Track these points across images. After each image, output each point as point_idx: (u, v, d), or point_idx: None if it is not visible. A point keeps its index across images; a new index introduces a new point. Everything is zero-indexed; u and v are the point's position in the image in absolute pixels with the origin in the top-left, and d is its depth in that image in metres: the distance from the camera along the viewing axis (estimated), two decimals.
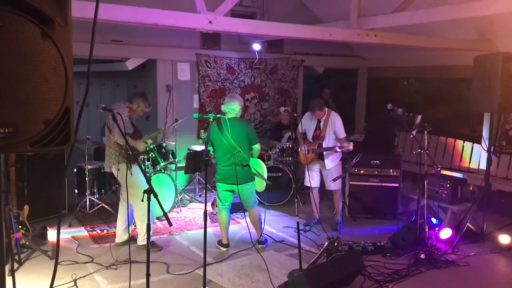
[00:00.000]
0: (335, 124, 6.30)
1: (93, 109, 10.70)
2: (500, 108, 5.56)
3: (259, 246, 5.58)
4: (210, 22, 5.07)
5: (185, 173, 6.38)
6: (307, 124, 6.43)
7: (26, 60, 1.41)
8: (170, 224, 3.28)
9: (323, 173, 6.39)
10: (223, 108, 5.37)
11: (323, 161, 6.33)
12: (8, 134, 1.39)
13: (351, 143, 6.15)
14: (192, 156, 5.19)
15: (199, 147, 7.48)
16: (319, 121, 6.33)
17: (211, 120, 4.51)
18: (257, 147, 5.42)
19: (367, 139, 9.49)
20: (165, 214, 3.20)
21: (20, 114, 1.41)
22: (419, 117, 5.89)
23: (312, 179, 6.32)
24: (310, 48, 9.27)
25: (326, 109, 6.35)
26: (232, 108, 5.30)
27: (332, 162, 6.32)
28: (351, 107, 10.61)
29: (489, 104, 5.61)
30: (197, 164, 5.24)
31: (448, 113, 8.45)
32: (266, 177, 5.54)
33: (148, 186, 3.40)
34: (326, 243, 4.92)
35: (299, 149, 6.54)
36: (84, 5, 4.33)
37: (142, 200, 3.29)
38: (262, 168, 5.54)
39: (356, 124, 10.49)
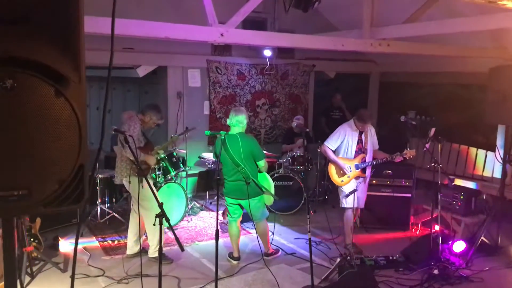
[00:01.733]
0: (374, 135, 6.04)
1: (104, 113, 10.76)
2: None
3: (266, 258, 5.56)
4: (222, 34, 5.03)
5: (196, 192, 6.44)
6: (348, 138, 5.84)
7: (40, 120, 1.38)
8: (182, 249, 3.26)
9: (360, 188, 5.90)
10: (228, 122, 5.24)
11: (365, 175, 5.96)
12: (21, 196, 1.37)
13: (413, 149, 5.94)
14: (204, 176, 5.17)
15: (209, 154, 7.46)
16: (360, 133, 5.89)
17: (223, 137, 4.48)
18: (262, 163, 5.26)
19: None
20: (177, 239, 3.18)
21: (33, 175, 1.39)
22: (433, 130, 5.80)
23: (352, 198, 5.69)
24: (321, 53, 9.17)
25: None
26: (240, 121, 5.17)
27: (369, 174, 6.08)
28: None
29: (504, 117, 5.53)
30: (209, 183, 5.21)
31: (461, 119, 8.33)
32: (273, 192, 5.50)
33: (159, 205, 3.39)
34: (339, 259, 4.89)
35: (329, 169, 5.93)
36: (97, 21, 4.31)
37: (154, 225, 3.27)
38: (269, 183, 5.50)
39: None
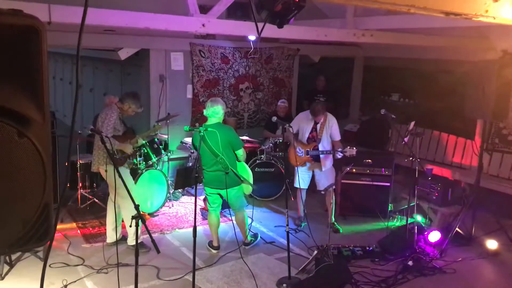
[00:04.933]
0: (332, 127, 6.27)
1: (86, 93, 10.64)
2: (493, 116, 5.55)
3: (245, 247, 5.65)
4: (203, 25, 4.99)
5: (174, 189, 6.51)
6: (303, 125, 6.33)
7: (3, 163, 1.37)
8: (158, 251, 3.28)
9: (317, 175, 6.37)
10: (205, 112, 5.25)
11: (319, 163, 6.31)
12: None
13: (354, 148, 6.08)
14: (182, 173, 5.18)
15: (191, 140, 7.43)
16: (316, 122, 6.26)
17: (202, 133, 4.47)
18: (240, 152, 5.31)
19: (361, 130, 9.47)
20: (153, 241, 3.21)
21: None
22: (412, 123, 5.86)
23: (303, 180, 6.32)
24: None
25: None
26: (216, 112, 5.17)
27: (327, 164, 6.32)
28: (346, 92, 10.55)
29: (483, 112, 5.59)
30: (187, 180, 5.23)
31: (443, 105, 8.38)
32: (251, 181, 5.55)
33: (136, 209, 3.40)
34: (315, 252, 4.98)
35: (289, 150, 6.41)
36: (74, 10, 4.25)
37: (130, 226, 3.30)
38: (247, 173, 5.54)
39: (351, 114, 10.45)
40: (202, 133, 4.47)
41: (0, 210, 1.39)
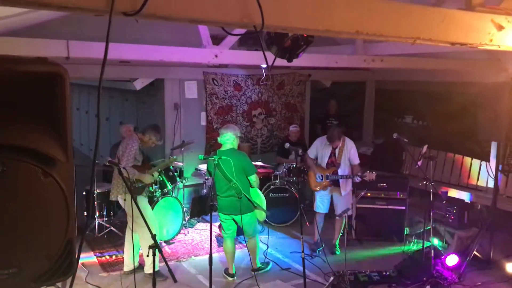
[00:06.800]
0: (351, 151, 6.34)
1: (102, 122, 10.83)
2: (507, 138, 5.53)
3: (253, 273, 5.65)
4: (216, 56, 5.11)
5: (190, 217, 6.59)
6: (321, 150, 6.39)
7: (29, 201, 1.44)
8: (175, 281, 3.33)
9: (335, 199, 6.39)
10: (219, 139, 5.38)
11: (339, 187, 6.32)
12: (12, 274, 1.44)
13: (374, 172, 6.11)
14: (197, 201, 5.26)
15: (206, 166, 7.51)
16: (333, 147, 6.32)
17: (216, 161, 4.55)
18: (253, 178, 5.38)
19: (375, 153, 9.46)
20: (170, 270, 3.26)
21: (23, 253, 1.45)
22: (425, 147, 5.87)
23: (322, 204, 6.34)
24: None
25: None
26: (228, 139, 5.30)
27: (347, 188, 6.35)
28: (358, 116, 10.60)
29: (496, 134, 5.58)
30: (202, 208, 5.31)
31: (457, 127, 8.36)
32: (265, 207, 5.59)
33: (153, 233, 3.46)
34: (332, 278, 4.96)
35: (309, 174, 6.49)
36: (90, 46, 4.39)
37: (148, 256, 3.35)
38: (261, 199, 5.59)
39: (364, 137, 10.47)
40: (216, 161, 4.54)
41: (26, 247, 1.46)
